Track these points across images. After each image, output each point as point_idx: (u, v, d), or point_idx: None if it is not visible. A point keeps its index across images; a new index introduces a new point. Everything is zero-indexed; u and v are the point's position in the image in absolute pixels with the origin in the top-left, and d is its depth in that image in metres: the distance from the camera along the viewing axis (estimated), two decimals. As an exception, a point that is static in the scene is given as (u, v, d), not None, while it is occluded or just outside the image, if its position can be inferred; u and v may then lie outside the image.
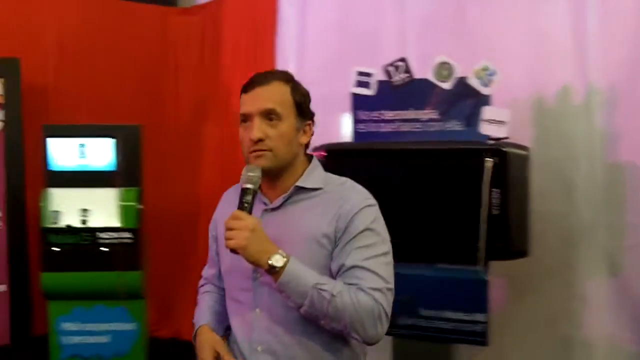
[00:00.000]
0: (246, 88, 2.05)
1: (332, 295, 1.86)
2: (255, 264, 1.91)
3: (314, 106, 2.14)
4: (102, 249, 4.42)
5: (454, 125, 3.52)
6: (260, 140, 1.98)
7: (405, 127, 3.62)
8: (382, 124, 3.66)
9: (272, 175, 2.04)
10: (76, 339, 4.53)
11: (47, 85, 5.44)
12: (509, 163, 3.24)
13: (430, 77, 3.53)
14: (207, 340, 2.13)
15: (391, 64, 3.64)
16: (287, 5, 4.88)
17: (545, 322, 3.83)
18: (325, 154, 3.56)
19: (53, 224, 4.45)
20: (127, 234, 4.42)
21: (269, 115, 1.98)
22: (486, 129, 3.41)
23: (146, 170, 4.74)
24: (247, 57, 5.22)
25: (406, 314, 3.48)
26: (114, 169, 4.50)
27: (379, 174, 3.42)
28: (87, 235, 4.43)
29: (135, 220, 4.43)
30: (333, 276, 1.96)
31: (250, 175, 1.98)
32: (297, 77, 2.12)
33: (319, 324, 1.95)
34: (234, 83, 5.30)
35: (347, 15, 4.47)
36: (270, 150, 1.98)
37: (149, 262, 4.82)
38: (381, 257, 1.96)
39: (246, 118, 2.03)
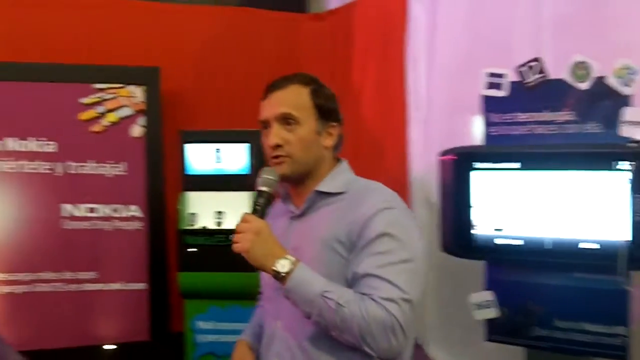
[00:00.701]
0: (264, 93, 2.04)
1: (339, 305, 1.78)
2: (261, 269, 1.88)
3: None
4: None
5: (592, 128, 3.41)
6: (278, 145, 1.96)
7: (540, 130, 3.54)
8: (515, 127, 3.60)
9: (296, 181, 2.02)
10: (210, 337, 4.74)
11: (185, 92, 5.71)
12: (651, 167, 3.10)
13: (566, 77, 3.43)
14: (236, 356, 2.23)
15: (524, 64, 3.58)
16: (416, 5, 4.87)
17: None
18: (455, 157, 3.54)
19: (190, 226, 4.68)
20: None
21: (286, 119, 1.96)
22: (627, 131, 3.27)
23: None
24: (377, 60, 5.26)
25: (540, 324, 3.40)
26: (248, 172, 4.65)
27: (510, 178, 3.37)
28: (222, 236, 4.61)
29: (267, 223, 4.56)
30: (348, 285, 1.88)
31: (266, 178, 1.96)
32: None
33: (336, 340, 1.87)
34: (365, 87, 5.37)
35: (478, 13, 4.41)
36: (289, 156, 1.95)
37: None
38: (399, 264, 1.84)
39: (265, 124, 2.01)
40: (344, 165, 2.07)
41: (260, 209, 1.92)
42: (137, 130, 5.26)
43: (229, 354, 4.71)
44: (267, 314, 2.10)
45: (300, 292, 1.82)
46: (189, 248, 4.66)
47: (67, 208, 4.98)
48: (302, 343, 1.95)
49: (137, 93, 5.29)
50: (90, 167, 5.08)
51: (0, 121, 4.86)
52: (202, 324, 4.78)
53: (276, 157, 1.97)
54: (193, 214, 4.74)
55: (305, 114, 1.97)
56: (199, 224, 4.72)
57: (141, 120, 5.27)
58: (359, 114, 5.43)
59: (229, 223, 4.68)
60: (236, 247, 1.86)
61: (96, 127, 5.16)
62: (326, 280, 1.83)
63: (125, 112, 5.27)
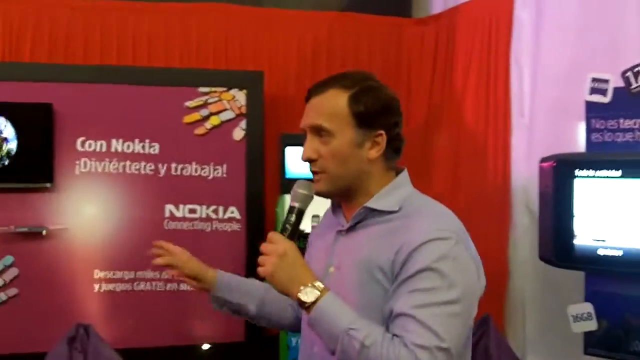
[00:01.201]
0: (306, 97, 1.85)
1: (363, 346, 1.57)
2: (286, 294, 1.69)
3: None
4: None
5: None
6: (311, 160, 1.79)
7: (645, 137, 3.43)
8: (619, 134, 3.49)
9: (342, 197, 1.83)
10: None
11: (286, 96, 5.84)
12: None
13: (674, 82, 3.31)
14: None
15: (629, 70, 3.47)
16: (522, 9, 4.80)
17: None
18: (554, 164, 3.47)
19: (289, 229, 4.75)
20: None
21: (319, 131, 1.77)
22: None
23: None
24: (481, 64, 5.23)
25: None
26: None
27: (611, 186, 3.27)
28: (318, 240, 4.67)
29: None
30: (385, 320, 1.67)
31: (300, 192, 1.80)
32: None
33: None
34: (467, 91, 5.34)
35: (586, 17, 4.32)
36: (324, 171, 1.77)
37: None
38: (441, 306, 1.59)
39: (305, 133, 1.83)
40: (403, 178, 1.85)
41: (290, 228, 1.75)
42: (238, 133, 5.43)
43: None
44: (303, 337, 1.91)
45: (324, 325, 1.63)
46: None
47: (169, 208, 5.20)
48: None
49: (239, 97, 5.46)
50: (192, 169, 5.28)
51: (106, 123, 5.12)
52: (296, 327, 4.86)
53: (313, 172, 1.80)
54: (290, 217, 4.82)
55: (339, 125, 1.75)
56: (299, 227, 4.80)
57: (243, 123, 5.43)
58: (461, 119, 5.40)
59: (325, 227, 4.75)
60: (260, 271, 1.70)
61: (199, 130, 5.37)
62: (356, 314, 1.64)
63: (228, 115, 5.45)
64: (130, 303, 5.10)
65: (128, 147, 5.15)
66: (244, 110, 5.46)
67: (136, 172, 5.16)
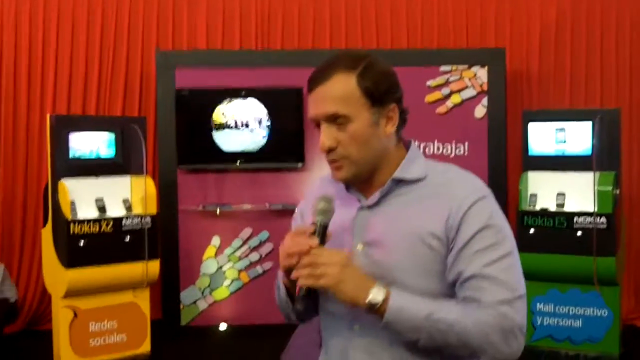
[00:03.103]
0: (308, 87, 1.80)
1: (450, 324, 1.65)
2: (351, 303, 1.69)
3: None
4: (577, 233, 4.66)
5: None
6: (331, 149, 1.76)
7: None
8: None
9: (366, 177, 1.81)
10: (549, 320, 4.86)
11: (530, 72, 5.88)
12: None
13: None
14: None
15: None
16: None
17: None
18: None
19: (530, 207, 4.85)
20: (602, 219, 4.58)
21: (335, 119, 1.75)
22: None
23: (624, 154, 4.84)
24: None
25: None
26: (591, 152, 4.68)
27: None
28: (562, 218, 4.72)
29: (611, 205, 4.58)
30: (448, 285, 1.73)
31: (320, 209, 1.76)
32: None
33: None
34: None
35: None
36: (346, 157, 1.76)
37: (624, 248, 4.93)
38: (505, 258, 1.69)
39: (316, 123, 1.80)
40: (415, 149, 1.86)
41: (320, 243, 1.73)
42: (480, 110, 5.58)
43: (566, 338, 4.87)
44: (332, 318, 1.87)
45: (402, 320, 1.67)
46: (529, 229, 4.83)
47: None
48: (394, 350, 1.77)
49: (481, 74, 5.60)
50: (433, 148, 5.54)
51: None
52: (541, 306, 4.93)
53: (333, 161, 1.78)
54: (534, 195, 4.90)
55: (355, 108, 1.74)
56: (539, 205, 4.87)
57: (484, 100, 5.57)
58: None
59: (570, 205, 4.77)
60: (320, 282, 1.68)
61: (441, 109, 5.59)
62: (426, 299, 1.70)
63: (469, 93, 5.61)
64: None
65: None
66: (485, 87, 5.59)
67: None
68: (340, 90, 1.74)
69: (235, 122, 5.50)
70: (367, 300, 1.67)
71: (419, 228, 1.72)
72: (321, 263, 1.68)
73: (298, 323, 2.06)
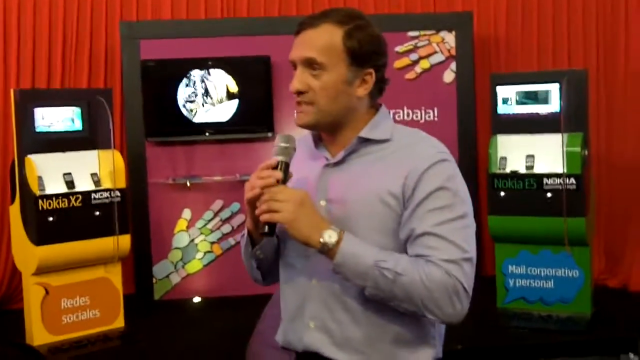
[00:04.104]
0: (297, 29, 1.86)
1: (397, 274, 1.70)
2: (305, 242, 1.75)
3: None
4: (547, 195, 4.71)
5: None
6: (300, 92, 1.81)
7: None
8: None
9: (327, 130, 1.88)
10: (521, 282, 4.93)
11: (497, 36, 5.90)
12: None
13: None
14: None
15: None
16: None
17: None
18: None
19: (500, 169, 4.89)
20: (571, 180, 4.64)
21: (311, 64, 1.79)
22: None
23: (592, 115, 4.88)
24: None
25: None
26: (559, 114, 4.72)
27: None
28: (532, 180, 4.77)
29: (580, 166, 4.63)
30: (401, 243, 1.78)
31: (281, 146, 1.81)
32: None
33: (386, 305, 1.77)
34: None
35: None
36: (312, 103, 1.81)
37: (594, 209, 4.99)
38: (458, 220, 1.74)
39: (294, 65, 1.85)
40: (384, 111, 1.91)
41: (282, 182, 1.78)
42: (449, 75, 5.59)
43: (538, 299, 4.94)
44: (292, 271, 1.93)
45: (351, 265, 1.72)
46: (499, 192, 4.87)
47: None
48: (347, 302, 1.82)
49: (449, 39, 5.61)
50: (404, 114, 5.54)
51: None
52: (513, 268, 4.99)
53: (299, 104, 1.83)
54: (503, 157, 4.93)
55: (333, 60, 1.78)
56: (508, 168, 4.91)
57: (453, 65, 5.58)
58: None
59: (539, 167, 4.81)
60: (276, 217, 1.74)
61: (410, 75, 5.60)
62: (376, 248, 1.75)
63: (438, 58, 5.63)
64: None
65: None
66: (453, 52, 5.61)
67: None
68: (324, 40, 1.79)
69: (204, 93, 5.46)
70: (319, 240, 1.73)
71: (379, 187, 1.78)
72: (280, 200, 1.73)
73: (263, 284, 2.09)
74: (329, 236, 1.72)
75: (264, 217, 1.75)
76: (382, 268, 1.71)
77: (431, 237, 1.72)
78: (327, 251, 1.73)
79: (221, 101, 5.47)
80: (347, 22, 1.80)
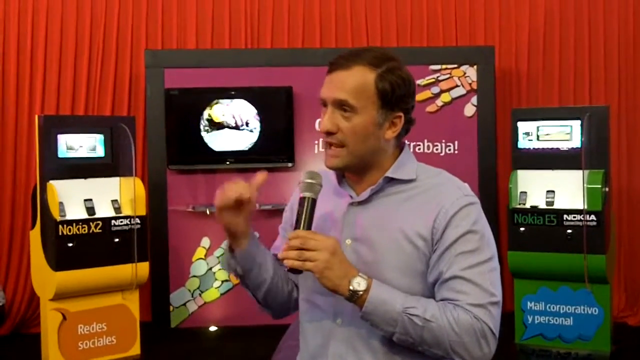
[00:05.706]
0: (329, 68, 1.85)
1: (426, 320, 1.71)
2: (333, 290, 1.74)
3: None
4: (568, 231, 4.67)
5: None
6: (330, 133, 1.81)
7: None
8: None
9: (356, 170, 1.86)
10: (540, 319, 4.88)
11: (519, 70, 5.91)
12: None
13: None
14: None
15: None
16: None
17: None
18: None
19: (520, 204, 4.86)
20: (592, 217, 4.60)
21: (342, 106, 1.79)
22: None
23: (613, 151, 4.85)
24: None
25: None
26: (580, 150, 4.70)
27: None
28: (552, 216, 4.73)
29: (601, 202, 4.60)
30: (428, 285, 1.79)
31: (309, 183, 1.80)
32: None
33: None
34: None
35: None
36: (342, 145, 1.80)
37: (615, 246, 4.95)
38: (485, 263, 1.76)
39: (324, 103, 1.84)
40: (408, 152, 1.91)
41: (305, 220, 1.77)
42: (469, 109, 5.59)
43: (557, 336, 4.89)
44: (317, 312, 1.90)
45: (380, 312, 1.72)
46: (519, 227, 4.84)
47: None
48: (373, 344, 1.82)
49: (470, 73, 5.61)
50: (424, 147, 5.53)
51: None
52: (532, 305, 4.94)
53: (329, 145, 1.83)
54: (523, 192, 4.91)
55: (364, 103, 1.78)
56: (529, 203, 4.88)
57: (474, 99, 5.59)
58: None
59: (559, 203, 4.78)
60: (307, 266, 1.72)
61: (431, 108, 5.60)
62: (404, 294, 1.75)
63: (459, 92, 5.63)
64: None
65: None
66: (474, 86, 5.61)
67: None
68: (356, 82, 1.78)
69: (226, 122, 5.50)
70: (349, 288, 1.72)
71: (407, 227, 1.78)
72: (311, 248, 1.72)
73: (273, 317, 2.10)
74: (358, 284, 1.72)
75: (295, 264, 1.72)
76: (411, 315, 1.71)
77: (460, 280, 1.74)
78: (356, 299, 1.73)
79: (243, 130, 5.49)
80: (379, 64, 1.80)
